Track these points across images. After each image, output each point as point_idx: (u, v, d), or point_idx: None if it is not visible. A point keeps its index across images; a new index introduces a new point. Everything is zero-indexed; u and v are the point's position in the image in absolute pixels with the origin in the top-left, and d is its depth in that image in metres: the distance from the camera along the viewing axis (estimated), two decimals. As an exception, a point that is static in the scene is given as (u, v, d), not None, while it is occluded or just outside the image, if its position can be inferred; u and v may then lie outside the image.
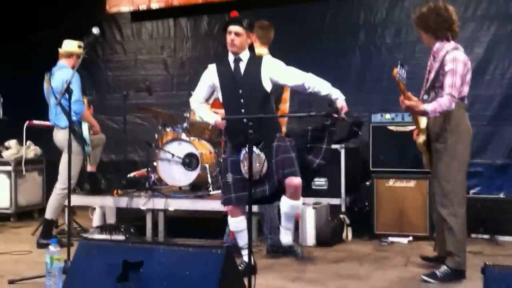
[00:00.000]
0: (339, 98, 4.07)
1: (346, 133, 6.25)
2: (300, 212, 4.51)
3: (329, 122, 4.17)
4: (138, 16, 8.37)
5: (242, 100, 4.12)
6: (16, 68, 7.99)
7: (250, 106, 4.11)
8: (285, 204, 4.14)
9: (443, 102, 4.04)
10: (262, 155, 4.05)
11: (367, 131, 6.18)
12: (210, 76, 4.28)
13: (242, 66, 4.17)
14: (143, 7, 8.09)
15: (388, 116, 6.03)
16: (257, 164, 4.01)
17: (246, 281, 3.26)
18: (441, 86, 4.17)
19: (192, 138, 6.12)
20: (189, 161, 5.92)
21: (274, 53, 4.87)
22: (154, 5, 8.03)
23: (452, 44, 4.22)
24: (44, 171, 7.37)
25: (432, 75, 4.29)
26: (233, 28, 4.13)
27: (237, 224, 4.26)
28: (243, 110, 4.11)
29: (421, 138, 4.32)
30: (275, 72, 4.14)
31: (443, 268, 4.17)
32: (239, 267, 4.06)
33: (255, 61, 4.18)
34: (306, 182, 4.23)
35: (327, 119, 4.19)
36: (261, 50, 4.87)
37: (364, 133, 6.26)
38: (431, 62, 4.35)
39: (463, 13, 6.71)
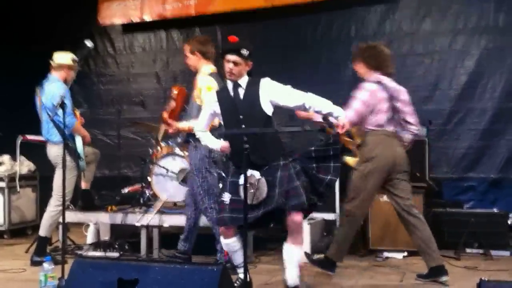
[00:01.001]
0: (341, 116, 4.04)
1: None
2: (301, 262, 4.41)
3: (323, 138, 4.17)
4: (130, 28, 8.38)
5: (243, 126, 4.10)
6: (8, 82, 7.97)
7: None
8: (286, 250, 4.13)
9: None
10: (262, 181, 4.00)
11: (361, 146, 6.18)
12: (210, 105, 4.28)
13: (241, 91, 4.14)
14: (135, 19, 8.12)
15: (381, 130, 6.03)
16: (252, 190, 3.98)
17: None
18: None
19: (186, 152, 6.10)
20: (184, 176, 5.91)
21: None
22: (147, 17, 8.06)
23: (377, 77, 4.68)
24: (38, 187, 7.34)
25: None
26: (231, 57, 4.10)
27: (230, 245, 4.23)
28: (245, 137, 4.02)
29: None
30: (274, 94, 4.10)
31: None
32: (235, 284, 4.05)
33: (254, 86, 4.14)
34: (320, 200, 4.24)
35: (321, 134, 4.20)
36: (209, 67, 4.92)
37: (358, 148, 6.28)
38: None
39: (454, 26, 6.80)
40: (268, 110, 4.12)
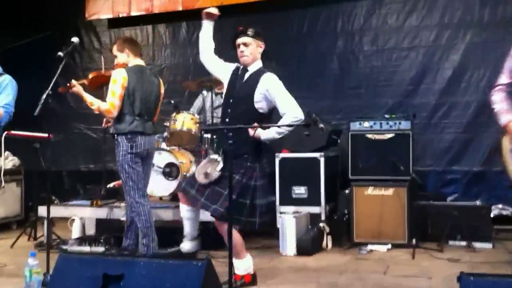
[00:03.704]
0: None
1: (325, 141, 6.30)
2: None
3: (308, 133, 4.21)
4: (116, 23, 8.34)
5: (229, 110, 4.18)
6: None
7: (235, 118, 4.13)
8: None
9: None
10: (219, 164, 4.10)
11: (346, 139, 6.19)
12: (228, 69, 4.34)
13: (246, 76, 4.22)
14: (123, 14, 8.08)
15: (366, 124, 6.03)
16: (208, 170, 4.12)
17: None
18: None
19: (172, 147, 6.11)
20: (170, 171, 5.92)
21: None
22: (135, 13, 8.02)
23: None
24: (22, 182, 7.30)
25: None
26: (240, 40, 4.18)
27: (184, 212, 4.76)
28: (227, 120, 4.18)
29: None
30: (270, 91, 4.12)
31: None
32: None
33: (257, 75, 4.17)
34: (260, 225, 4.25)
35: (306, 129, 4.22)
36: (138, 60, 5.02)
37: (343, 141, 6.31)
38: None
39: (439, 21, 6.84)
40: (260, 104, 4.14)
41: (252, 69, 4.22)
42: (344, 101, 7.06)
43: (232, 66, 4.37)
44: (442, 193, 6.49)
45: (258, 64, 4.24)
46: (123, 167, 4.81)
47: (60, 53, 4.38)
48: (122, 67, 4.91)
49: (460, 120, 6.69)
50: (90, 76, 5.24)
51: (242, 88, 4.20)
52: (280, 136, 4.15)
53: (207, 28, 4.43)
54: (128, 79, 4.81)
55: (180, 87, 7.09)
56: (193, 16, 7.70)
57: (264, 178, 4.21)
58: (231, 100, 4.19)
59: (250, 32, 4.17)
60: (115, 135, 4.85)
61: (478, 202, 5.98)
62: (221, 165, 4.09)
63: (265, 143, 4.18)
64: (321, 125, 4.02)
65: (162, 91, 5.22)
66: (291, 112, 4.07)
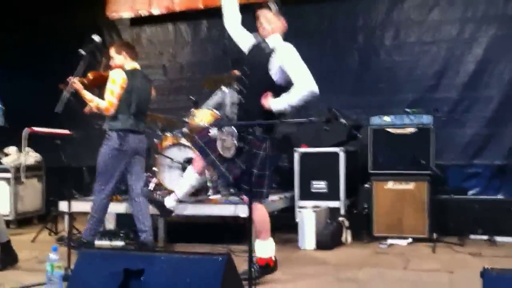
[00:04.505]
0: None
1: (345, 136, 6.28)
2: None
3: (328, 129, 4.18)
4: (137, 21, 8.36)
5: (245, 79, 4.18)
6: (15, 75, 7.99)
7: (251, 87, 4.13)
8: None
9: None
10: (232, 137, 4.07)
11: (366, 134, 6.15)
12: (251, 39, 4.31)
13: (263, 46, 4.17)
14: (144, 12, 8.10)
15: (387, 118, 6.00)
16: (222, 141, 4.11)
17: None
18: None
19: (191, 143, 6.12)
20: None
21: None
22: (155, 11, 8.03)
23: None
24: (43, 178, 7.40)
25: None
26: (260, 12, 4.15)
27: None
28: (244, 90, 4.18)
29: None
30: (285, 60, 4.07)
31: None
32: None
33: (273, 45, 4.13)
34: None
35: (326, 125, 4.20)
36: (134, 64, 5.17)
37: (363, 136, 6.26)
38: None
39: (462, 14, 6.74)
40: (276, 76, 4.07)
41: (270, 40, 4.17)
42: (365, 95, 6.99)
43: (253, 38, 4.32)
44: (463, 187, 6.43)
45: (275, 39, 4.18)
46: (104, 160, 5.01)
47: (82, 51, 4.42)
48: (118, 68, 5.08)
49: (482, 115, 6.60)
50: (90, 76, 5.34)
51: (257, 55, 4.16)
52: (292, 108, 4.01)
53: None
54: (127, 81, 4.98)
55: (200, 85, 7.07)
56: (214, 14, 7.73)
57: (275, 151, 4.17)
58: (247, 70, 4.18)
59: (272, 5, 4.17)
60: (106, 129, 5.05)
61: (500, 196, 5.92)
62: (236, 135, 4.07)
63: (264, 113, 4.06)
64: (343, 120, 4.00)
65: (154, 93, 5.41)
66: (302, 83, 3.96)
